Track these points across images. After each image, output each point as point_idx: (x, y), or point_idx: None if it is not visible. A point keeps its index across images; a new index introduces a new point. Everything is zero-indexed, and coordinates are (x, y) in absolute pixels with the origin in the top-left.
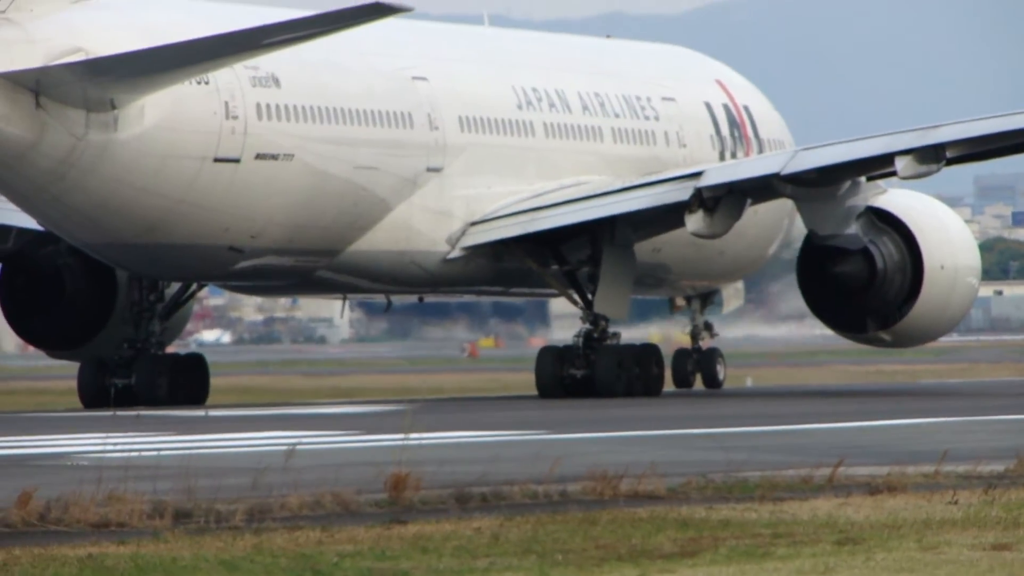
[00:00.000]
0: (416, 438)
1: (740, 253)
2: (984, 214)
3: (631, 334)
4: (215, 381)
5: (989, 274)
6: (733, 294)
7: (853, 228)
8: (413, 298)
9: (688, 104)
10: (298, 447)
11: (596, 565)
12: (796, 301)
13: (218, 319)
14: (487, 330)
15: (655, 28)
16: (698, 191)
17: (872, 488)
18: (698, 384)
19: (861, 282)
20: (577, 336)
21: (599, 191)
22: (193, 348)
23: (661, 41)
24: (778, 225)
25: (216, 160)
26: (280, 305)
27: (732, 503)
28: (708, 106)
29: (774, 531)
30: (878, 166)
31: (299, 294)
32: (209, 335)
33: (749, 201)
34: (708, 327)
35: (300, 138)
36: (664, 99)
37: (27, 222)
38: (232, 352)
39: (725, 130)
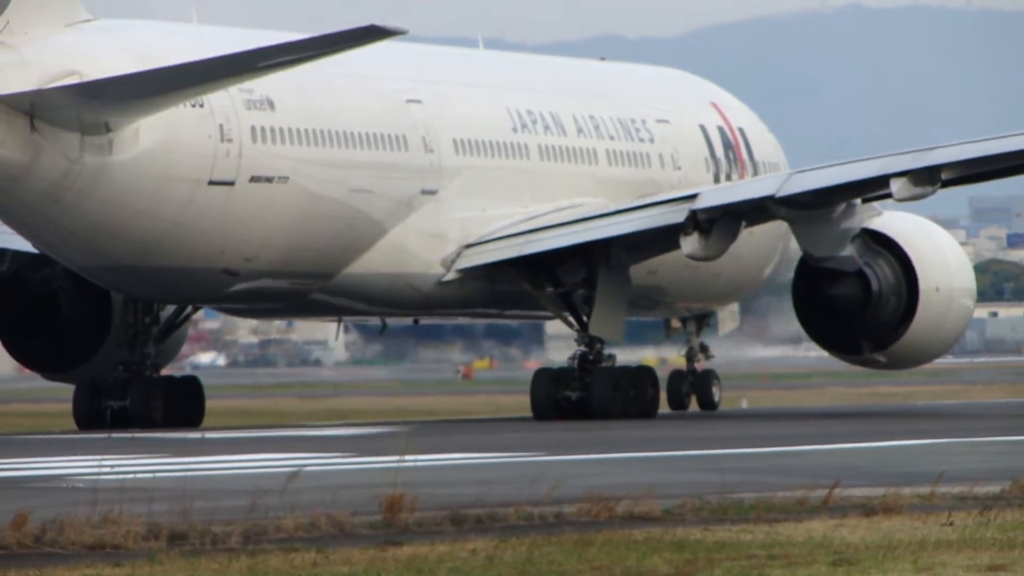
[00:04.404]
0: (411, 460)
1: (735, 275)
2: (979, 236)
3: (626, 356)
4: (210, 404)
5: (984, 296)
6: (728, 316)
7: (848, 250)
8: (408, 320)
9: (683, 126)
10: (301, 471)
11: None
12: (791, 323)
13: (213, 342)
14: (482, 352)
15: (650, 51)
16: (693, 213)
17: (867, 509)
18: (693, 406)
19: (856, 304)
20: (572, 358)
21: (594, 213)
22: (188, 371)
23: (656, 64)
24: (773, 247)
25: (211, 183)
26: (275, 328)
27: (727, 525)
28: (703, 128)
29: (769, 552)
30: (873, 188)
31: (294, 317)
32: (204, 358)
33: (744, 223)
34: (703, 349)
35: (295, 161)
36: (659, 121)
37: (22, 245)
38: (227, 375)
39: (720, 152)
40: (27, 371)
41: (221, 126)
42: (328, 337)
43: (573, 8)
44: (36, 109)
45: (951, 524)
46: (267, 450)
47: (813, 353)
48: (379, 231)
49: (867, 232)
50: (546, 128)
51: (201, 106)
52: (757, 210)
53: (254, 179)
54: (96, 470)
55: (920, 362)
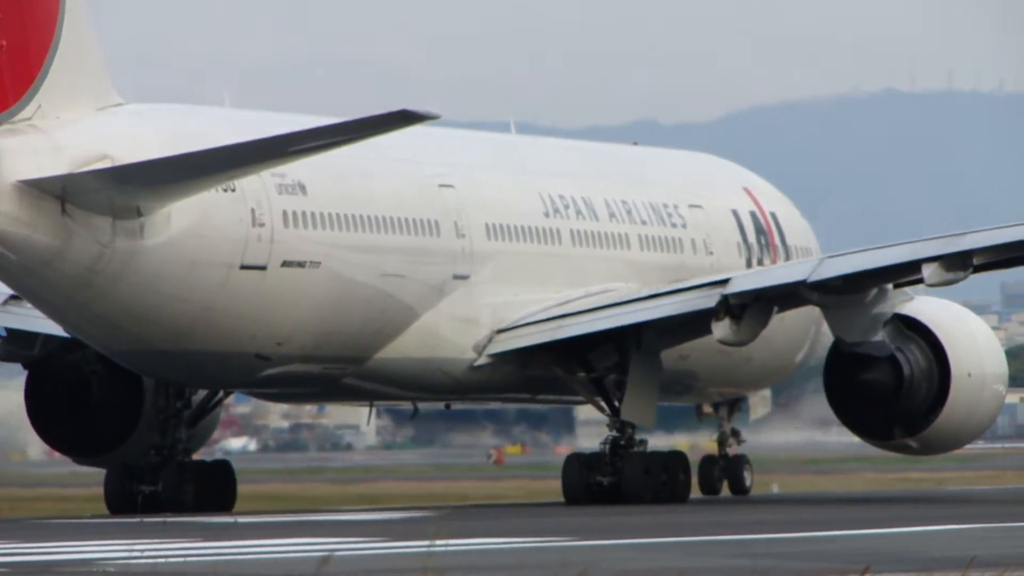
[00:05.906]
0: (442, 544)
1: (767, 360)
2: (1011, 321)
3: (658, 441)
4: (242, 488)
5: (1016, 381)
6: (760, 401)
7: (880, 335)
8: (439, 405)
9: (715, 211)
10: (332, 555)
11: None
12: (823, 408)
13: (244, 426)
14: (513, 437)
15: (684, 136)
16: (725, 298)
17: None
18: (725, 490)
19: (888, 389)
20: (604, 443)
21: (626, 298)
22: (219, 455)
23: (690, 148)
24: (805, 332)
25: (242, 267)
26: (306, 412)
27: None
28: (735, 213)
29: None
30: (905, 273)
31: (325, 401)
32: (235, 442)
33: (776, 309)
34: (735, 434)
35: (327, 245)
36: (691, 206)
37: (53, 329)
38: (258, 459)
39: (752, 237)
40: (58, 455)
41: (253, 210)
42: (360, 422)
43: (607, 93)
44: (67, 193)
45: None
46: (298, 534)
47: (844, 438)
48: (411, 316)
49: (899, 317)
50: (578, 213)
51: (233, 190)
52: (789, 295)
53: (286, 263)
54: (127, 554)
55: (952, 447)
